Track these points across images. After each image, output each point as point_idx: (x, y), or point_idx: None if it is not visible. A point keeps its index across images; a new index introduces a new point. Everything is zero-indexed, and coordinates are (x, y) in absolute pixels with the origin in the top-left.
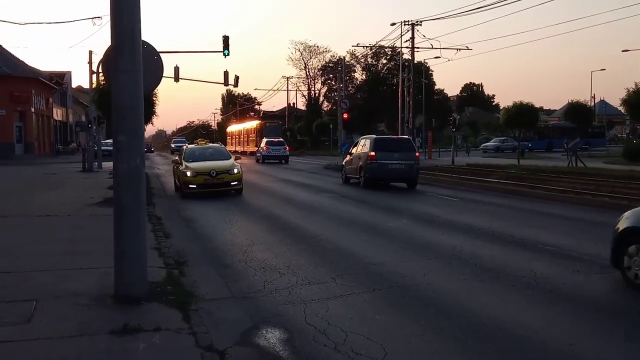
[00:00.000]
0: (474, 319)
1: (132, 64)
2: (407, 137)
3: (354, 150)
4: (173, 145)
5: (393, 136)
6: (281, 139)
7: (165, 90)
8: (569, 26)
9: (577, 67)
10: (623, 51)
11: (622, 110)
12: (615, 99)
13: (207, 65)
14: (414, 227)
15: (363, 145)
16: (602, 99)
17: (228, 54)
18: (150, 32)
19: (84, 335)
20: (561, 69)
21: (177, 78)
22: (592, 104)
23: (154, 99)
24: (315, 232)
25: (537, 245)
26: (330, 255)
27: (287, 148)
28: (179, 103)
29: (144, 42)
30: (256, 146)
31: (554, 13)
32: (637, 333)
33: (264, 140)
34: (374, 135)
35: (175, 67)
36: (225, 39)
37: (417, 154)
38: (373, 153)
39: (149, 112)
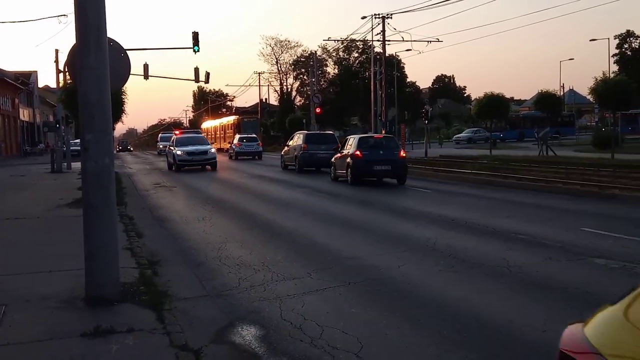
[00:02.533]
0: (450, 309)
1: (97, 61)
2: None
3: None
4: (161, 146)
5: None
6: (254, 135)
7: (135, 88)
8: (537, 16)
9: (546, 57)
10: (591, 40)
11: (591, 99)
12: (584, 88)
13: (177, 62)
14: (388, 220)
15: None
16: (571, 88)
17: (198, 50)
18: (117, 29)
19: (54, 339)
20: (531, 59)
21: (146, 75)
22: (562, 93)
23: (123, 96)
24: (291, 227)
25: (510, 234)
26: (305, 250)
27: (260, 144)
28: (150, 101)
29: (110, 39)
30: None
31: (522, 4)
32: None
33: (237, 136)
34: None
35: (144, 65)
36: (195, 35)
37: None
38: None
39: (118, 110)
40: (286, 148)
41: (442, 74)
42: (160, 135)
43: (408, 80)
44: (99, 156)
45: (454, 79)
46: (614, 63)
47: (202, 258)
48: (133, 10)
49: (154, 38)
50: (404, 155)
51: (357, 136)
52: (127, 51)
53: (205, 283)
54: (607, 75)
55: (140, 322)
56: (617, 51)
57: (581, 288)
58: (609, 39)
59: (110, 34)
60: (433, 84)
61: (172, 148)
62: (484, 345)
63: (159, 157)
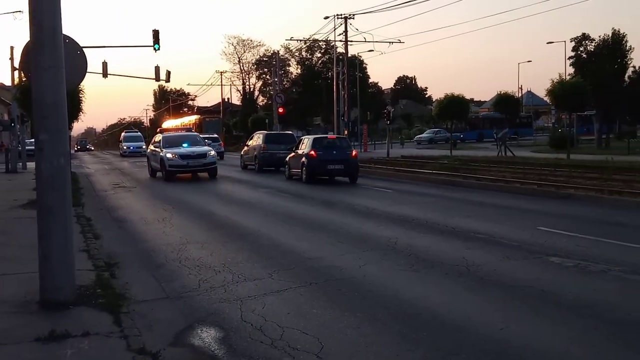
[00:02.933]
0: (409, 308)
1: (53, 59)
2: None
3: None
4: (125, 147)
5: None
6: (216, 135)
7: (93, 87)
8: (496, 19)
9: (505, 59)
10: (548, 43)
11: (548, 101)
12: (541, 90)
13: (138, 60)
14: (350, 220)
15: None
16: (529, 90)
17: (159, 49)
18: (74, 25)
19: (7, 344)
20: (490, 61)
21: (105, 74)
22: (520, 95)
23: (80, 95)
24: (253, 228)
25: (469, 233)
26: (267, 251)
27: (222, 144)
28: (109, 99)
29: (66, 37)
30: None
31: (481, 6)
32: (562, 314)
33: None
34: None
35: (103, 63)
36: (156, 33)
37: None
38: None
39: (75, 109)
40: (246, 148)
41: (404, 75)
42: (123, 134)
43: (370, 80)
44: (54, 156)
45: (415, 80)
46: (570, 65)
47: (162, 259)
48: (91, 7)
49: (113, 36)
50: (356, 155)
51: (311, 136)
52: (85, 49)
53: (165, 285)
54: (564, 77)
55: (96, 326)
56: (573, 54)
57: (537, 286)
58: (565, 41)
59: (66, 31)
60: (395, 84)
61: (157, 150)
62: (442, 343)
63: (121, 158)
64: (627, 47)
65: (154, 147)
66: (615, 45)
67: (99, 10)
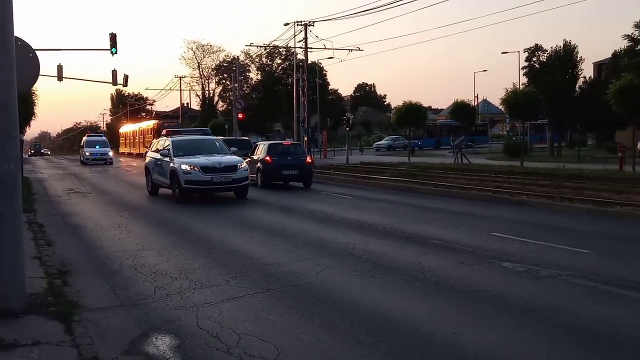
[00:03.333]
0: (366, 314)
1: (3, 61)
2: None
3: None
4: (87, 153)
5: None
6: None
7: (48, 90)
8: (453, 29)
9: (461, 68)
10: (502, 53)
11: (502, 109)
12: (496, 99)
13: (95, 64)
14: (309, 226)
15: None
16: (484, 98)
17: (116, 52)
18: (28, 27)
19: None
20: (447, 70)
21: (60, 77)
22: (476, 103)
23: (33, 98)
24: (210, 234)
25: (425, 239)
26: (224, 257)
27: None
28: (64, 103)
29: (17, 39)
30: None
31: (438, 16)
32: (514, 319)
33: (154, 141)
34: (269, 141)
35: (58, 66)
36: (113, 37)
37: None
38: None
39: (27, 113)
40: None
41: (363, 83)
42: (85, 138)
43: (330, 87)
44: (4, 161)
45: (374, 87)
46: (523, 75)
47: (117, 266)
48: (46, 9)
49: (69, 38)
50: (311, 161)
51: (266, 142)
52: (38, 51)
53: (119, 292)
54: (517, 86)
55: (47, 335)
56: (526, 64)
57: (490, 291)
58: (519, 52)
59: (19, 33)
60: (355, 92)
61: (165, 159)
62: (398, 348)
63: (82, 165)
64: (578, 58)
65: (160, 154)
66: (567, 56)
67: (54, 13)
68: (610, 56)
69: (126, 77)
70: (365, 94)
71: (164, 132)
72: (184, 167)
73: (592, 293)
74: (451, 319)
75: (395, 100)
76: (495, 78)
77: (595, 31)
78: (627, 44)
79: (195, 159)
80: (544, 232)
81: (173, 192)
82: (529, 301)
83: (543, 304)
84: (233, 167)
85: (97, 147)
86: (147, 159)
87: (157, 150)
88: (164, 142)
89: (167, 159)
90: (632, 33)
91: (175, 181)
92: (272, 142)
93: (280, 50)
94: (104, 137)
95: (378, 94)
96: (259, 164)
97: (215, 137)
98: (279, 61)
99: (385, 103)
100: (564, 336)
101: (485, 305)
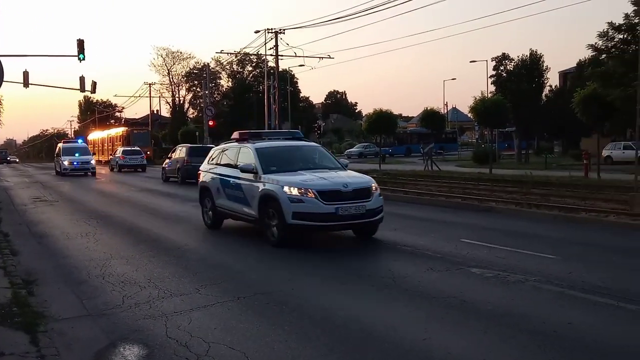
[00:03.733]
0: (337, 321)
1: None
2: None
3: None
4: (65, 162)
5: None
6: (137, 148)
7: (13, 97)
8: (423, 37)
9: (431, 76)
10: (471, 62)
11: (471, 117)
12: (465, 107)
13: (62, 70)
14: None
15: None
16: (454, 106)
17: (83, 58)
18: None
19: None
20: (417, 78)
21: (26, 83)
22: (445, 111)
23: None
24: (180, 242)
25: (395, 246)
26: (195, 265)
27: (145, 156)
28: (31, 110)
29: None
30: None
31: (408, 25)
32: (482, 324)
33: (120, 149)
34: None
35: (24, 72)
36: (80, 43)
37: None
38: None
39: None
40: (167, 161)
41: (334, 90)
42: (61, 145)
43: (302, 95)
44: None
45: (345, 95)
46: (491, 83)
47: (84, 276)
48: (12, 14)
49: (36, 44)
50: None
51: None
52: (3, 57)
53: (86, 302)
54: (485, 95)
55: (11, 346)
56: (494, 72)
57: (459, 297)
58: (487, 60)
59: None
60: (326, 99)
61: (246, 177)
62: (369, 355)
63: (55, 175)
64: (544, 67)
65: (229, 169)
66: (533, 65)
67: (20, 19)
68: (575, 65)
69: (94, 84)
70: (337, 101)
71: (235, 135)
72: (290, 190)
73: (558, 298)
74: (421, 325)
75: (366, 107)
76: (465, 86)
77: (561, 41)
78: (592, 54)
79: (299, 177)
80: (511, 238)
81: (264, 229)
82: (497, 307)
83: (510, 309)
84: (366, 192)
85: (77, 154)
86: (205, 176)
87: (221, 164)
88: (237, 150)
89: (250, 176)
90: (596, 43)
91: (273, 213)
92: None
93: (251, 57)
94: (84, 144)
95: (349, 101)
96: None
97: (313, 144)
98: (250, 68)
99: (357, 111)
100: (531, 341)
101: (454, 311)
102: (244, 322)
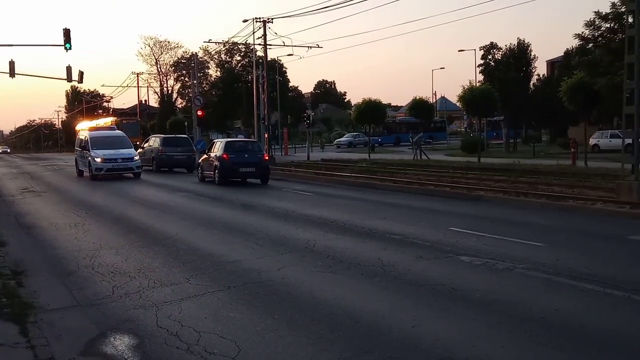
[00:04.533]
0: (326, 309)
1: None
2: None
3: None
4: (98, 158)
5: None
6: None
7: None
8: (411, 26)
9: (420, 65)
10: (459, 51)
11: (460, 106)
12: (454, 96)
13: (49, 60)
14: (270, 223)
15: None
16: (442, 95)
17: (70, 48)
18: None
19: None
20: (406, 67)
21: (12, 73)
22: (434, 100)
23: None
24: (170, 232)
25: (385, 234)
26: (185, 255)
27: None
28: (17, 100)
29: None
30: None
31: (397, 14)
32: (470, 311)
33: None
34: (226, 139)
35: (10, 62)
36: (66, 32)
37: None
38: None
39: None
40: (141, 150)
41: (323, 80)
42: (89, 135)
43: (291, 84)
44: None
45: (335, 84)
46: (479, 73)
47: (73, 266)
48: None
49: (22, 34)
50: (267, 158)
51: (224, 140)
52: None
53: (76, 292)
54: (473, 84)
55: (1, 337)
56: (482, 61)
57: (447, 284)
58: (475, 50)
59: None
60: (315, 89)
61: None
62: (357, 342)
63: (73, 178)
64: (532, 56)
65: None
66: (521, 54)
67: (6, 8)
68: (563, 54)
69: (81, 74)
70: (326, 91)
71: None
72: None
73: (545, 285)
74: (410, 313)
75: (355, 97)
76: (453, 76)
77: (549, 30)
78: (579, 43)
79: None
80: (499, 226)
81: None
82: (485, 294)
83: (498, 296)
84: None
85: (114, 149)
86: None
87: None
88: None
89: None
90: (582, 32)
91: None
92: (228, 139)
93: (240, 47)
94: (122, 134)
95: (338, 91)
96: (216, 162)
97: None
98: (239, 58)
99: (346, 100)
100: (518, 327)
101: (442, 298)
102: (235, 312)
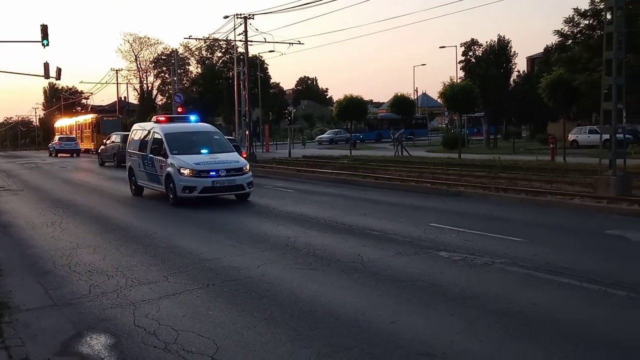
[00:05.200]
0: (306, 306)
1: None
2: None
3: None
4: (186, 172)
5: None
6: (73, 136)
7: None
8: (393, 23)
9: (402, 62)
10: (440, 47)
11: (440, 102)
12: (435, 92)
13: (26, 56)
14: (250, 220)
15: None
16: (424, 92)
17: (47, 44)
18: None
19: None
20: (388, 64)
21: None
22: (415, 97)
23: None
24: (149, 230)
25: (364, 231)
26: (163, 253)
27: (78, 142)
28: None
29: None
30: (92, 142)
31: (379, 11)
32: (450, 307)
33: (57, 136)
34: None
35: None
36: (44, 28)
37: (243, 153)
38: None
39: None
40: (103, 147)
41: (305, 76)
42: (162, 130)
43: (272, 81)
44: None
45: (316, 81)
46: (460, 69)
47: (50, 266)
48: None
49: None
50: (245, 155)
51: None
52: None
53: (52, 292)
54: (454, 80)
55: None
56: (463, 58)
57: (427, 280)
58: (456, 46)
59: None
60: (297, 85)
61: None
62: (336, 339)
63: (27, 168)
64: (512, 53)
65: None
66: (501, 50)
67: None
68: (543, 51)
69: (59, 70)
70: (307, 87)
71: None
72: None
73: (524, 279)
74: (389, 309)
75: (336, 93)
76: (435, 72)
77: (529, 27)
78: (558, 40)
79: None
80: (479, 222)
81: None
82: (464, 289)
83: (477, 291)
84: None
85: (209, 152)
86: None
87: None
88: None
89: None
90: (562, 29)
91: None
92: None
93: (221, 43)
94: (206, 124)
95: (320, 87)
96: None
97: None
98: (220, 54)
99: (327, 97)
100: (497, 322)
101: (422, 294)
102: (213, 310)
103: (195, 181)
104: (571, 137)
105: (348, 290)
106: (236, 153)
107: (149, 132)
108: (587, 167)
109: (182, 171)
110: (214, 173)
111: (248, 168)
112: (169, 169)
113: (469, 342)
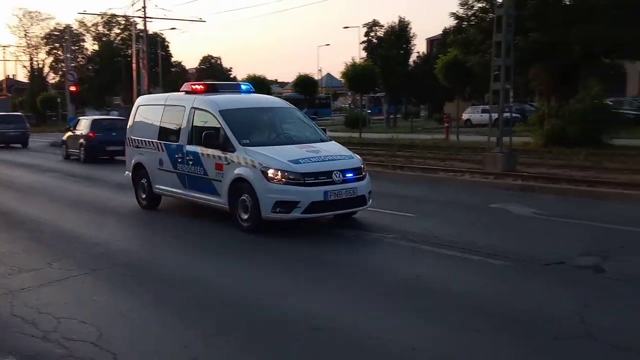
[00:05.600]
0: (194, 286)
1: None
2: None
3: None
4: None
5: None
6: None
7: None
8: (297, 1)
9: (306, 41)
10: (344, 28)
11: (343, 83)
12: (339, 73)
13: None
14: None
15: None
16: (328, 73)
17: None
18: None
19: None
20: (293, 43)
21: None
22: (320, 77)
23: None
24: (34, 215)
25: None
26: (49, 239)
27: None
28: None
29: None
30: None
31: None
32: (341, 281)
33: None
34: (93, 117)
35: None
36: None
37: None
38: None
39: None
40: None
41: (209, 55)
42: (206, 106)
43: (174, 60)
44: None
45: (220, 60)
46: (363, 50)
47: None
48: None
49: None
50: None
51: (90, 117)
52: None
53: None
54: (356, 61)
55: None
56: (365, 39)
57: (319, 258)
58: (359, 27)
59: None
60: (200, 64)
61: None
62: (224, 318)
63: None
64: (411, 34)
65: None
66: (401, 32)
67: None
68: (441, 33)
69: None
70: (211, 66)
71: None
72: None
73: (411, 253)
74: (279, 287)
75: (241, 73)
76: (339, 52)
77: (429, 8)
78: (455, 22)
79: None
80: (375, 199)
81: None
82: (353, 264)
83: (366, 266)
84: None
85: (308, 145)
86: None
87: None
88: None
89: None
90: (457, 11)
91: None
92: (95, 117)
93: (119, 19)
94: (275, 98)
95: (224, 67)
96: (82, 140)
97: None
98: (118, 31)
99: (232, 76)
100: (382, 294)
101: (314, 271)
102: (99, 295)
103: (298, 192)
104: (465, 116)
105: (238, 271)
106: (337, 143)
107: (184, 108)
108: (478, 145)
109: (270, 174)
110: (325, 178)
111: (366, 171)
112: (239, 170)
113: (355, 314)
